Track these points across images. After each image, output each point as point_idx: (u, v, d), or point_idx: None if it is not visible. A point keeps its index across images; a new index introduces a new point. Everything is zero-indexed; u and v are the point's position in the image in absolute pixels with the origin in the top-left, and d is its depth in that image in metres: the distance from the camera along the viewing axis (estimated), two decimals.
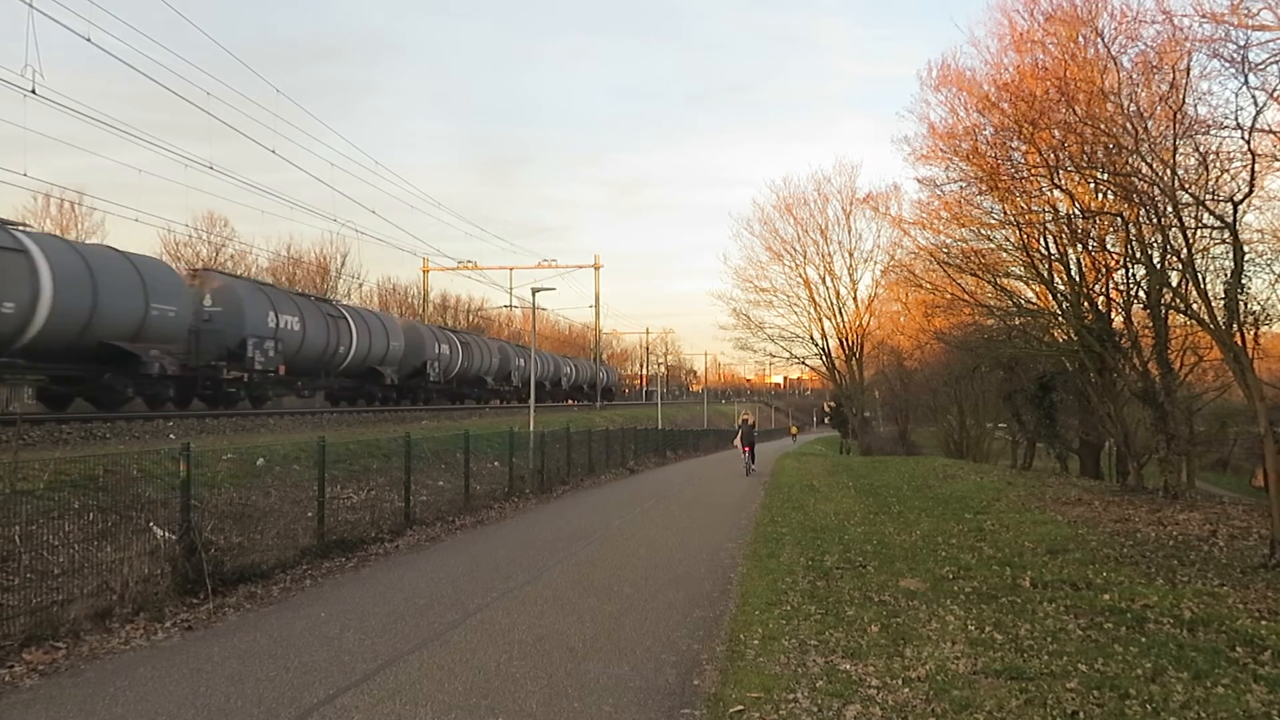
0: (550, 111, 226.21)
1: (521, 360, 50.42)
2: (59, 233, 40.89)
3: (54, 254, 17.40)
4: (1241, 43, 11.60)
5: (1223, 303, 12.49)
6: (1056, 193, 19.90)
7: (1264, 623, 7.29)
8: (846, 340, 51.20)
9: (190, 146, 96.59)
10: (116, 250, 20.55)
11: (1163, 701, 5.41)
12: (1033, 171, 18.79)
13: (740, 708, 5.47)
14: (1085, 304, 20.68)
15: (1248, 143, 11.75)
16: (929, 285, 27.91)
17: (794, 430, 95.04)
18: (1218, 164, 13.43)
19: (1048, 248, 21.54)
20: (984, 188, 21.10)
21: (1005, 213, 21.46)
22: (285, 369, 25.65)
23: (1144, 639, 6.83)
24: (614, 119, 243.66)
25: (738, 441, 29.89)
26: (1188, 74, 13.70)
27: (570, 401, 62.41)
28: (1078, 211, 19.88)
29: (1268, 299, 16.71)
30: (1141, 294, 18.72)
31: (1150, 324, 18.42)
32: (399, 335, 34.58)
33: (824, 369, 54.45)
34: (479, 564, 10.83)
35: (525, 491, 18.79)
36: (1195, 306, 13.79)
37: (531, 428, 21.51)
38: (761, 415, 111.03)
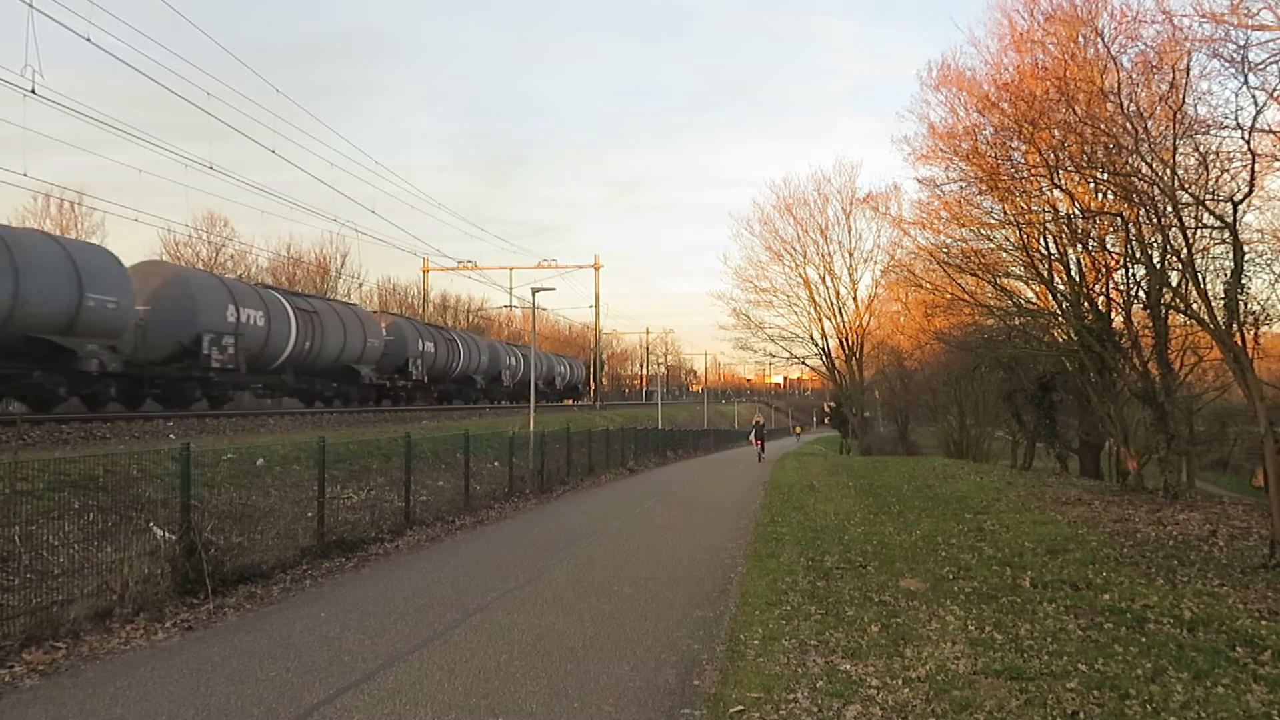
0: (550, 111, 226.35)
1: (430, 345, 37.60)
2: (59, 232, 40.96)
3: None
4: (1241, 43, 11.62)
5: (1223, 303, 12.50)
6: (1056, 193, 19.92)
7: (1264, 623, 7.29)
8: (846, 340, 51.24)
9: (190, 146, 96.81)
10: None
11: (1163, 701, 5.41)
12: (1033, 171, 18.81)
13: (740, 708, 5.47)
14: (1085, 304, 20.69)
15: (1248, 143, 11.77)
16: (929, 285, 27.93)
17: (798, 430, 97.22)
18: (1218, 164, 13.45)
19: (1048, 248, 21.56)
20: (984, 188, 21.12)
21: (1005, 213, 21.48)
22: None
23: (1144, 639, 6.83)
24: (614, 119, 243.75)
25: (752, 436, 39.35)
26: (1188, 74, 13.73)
27: (569, 401, 61.23)
28: (1078, 211, 19.89)
29: (1268, 299, 16.83)
30: (1141, 294, 18.74)
31: (1150, 324, 18.43)
32: (122, 287, 19.26)
33: (824, 369, 54.50)
34: (479, 564, 10.83)
35: (525, 491, 18.79)
36: (1195, 306, 13.80)
37: (531, 428, 21.52)
38: (762, 415, 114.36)
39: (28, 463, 8.98)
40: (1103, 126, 14.79)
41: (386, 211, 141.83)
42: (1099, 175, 17.22)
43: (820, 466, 31.59)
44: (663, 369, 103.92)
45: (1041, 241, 21.58)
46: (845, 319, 50.86)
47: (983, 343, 27.64)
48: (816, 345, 51.73)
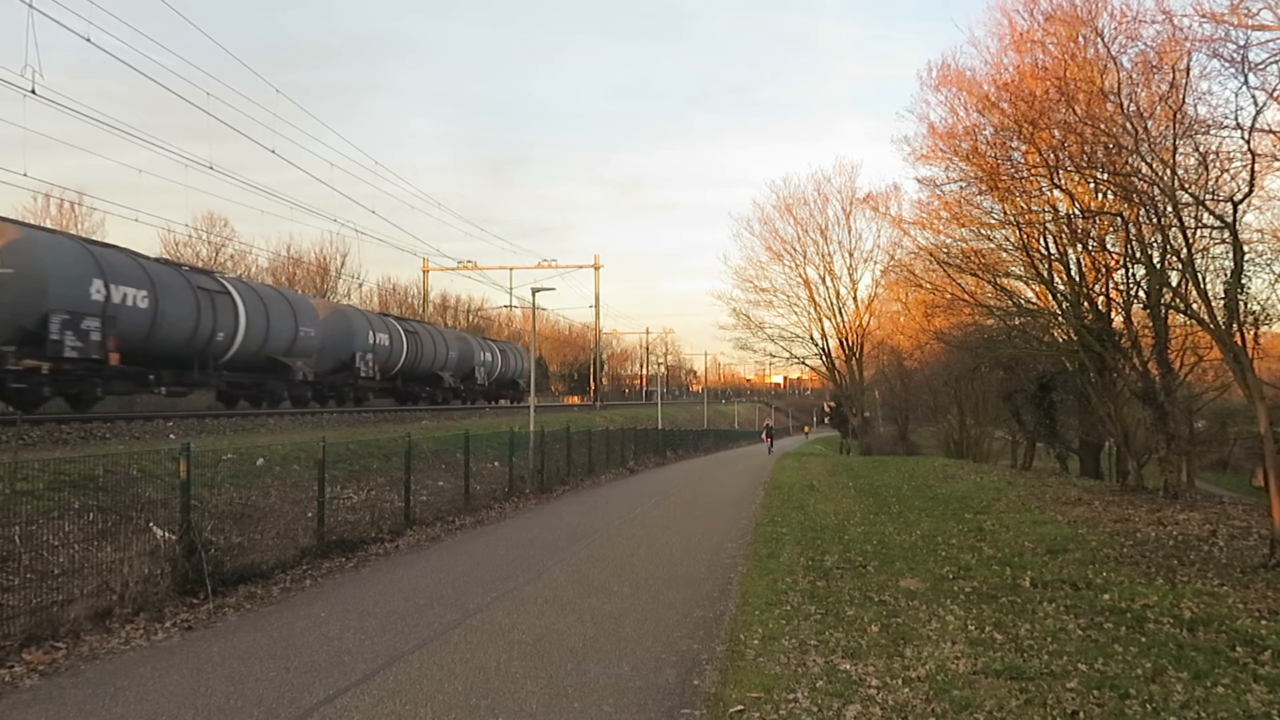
0: (550, 111, 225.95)
1: (215, 314, 21.69)
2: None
3: None
4: (1241, 43, 11.61)
5: (1223, 303, 12.50)
6: (1056, 193, 19.90)
7: (1264, 623, 7.29)
8: (846, 340, 51.25)
9: (190, 146, 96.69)
10: None
11: (1163, 701, 5.41)
12: (1033, 171, 18.79)
13: (740, 708, 5.47)
14: (1085, 304, 20.68)
15: (1248, 143, 11.76)
16: (929, 285, 27.90)
17: (807, 429, 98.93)
18: (1218, 164, 13.43)
19: (1048, 248, 21.54)
20: (984, 188, 21.09)
21: (1005, 213, 21.46)
22: None
23: (1144, 639, 6.83)
24: (614, 119, 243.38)
25: (763, 435, 46.07)
26: (1188, 74, 13.71)
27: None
28: (1078, 211, 19.88)
29: (1268, 299, 16.76)
30: (1141, 294, 18.72)
31: (1150, 324, 18.42)
32: None
33: (824, 369, 54.50)
34: (479, 564, 10.83)
35: (525, 491, 18.78)
36: (1195, 306, 13.79)
37: (532, 428, 21.51)
38: (763, 415, 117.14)
39: (28, 463, 8.98)
40: (1103, 126, 14.77)
41: (386, 211, 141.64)
42: (1099, 175, 17.19)
43: (820, 466, 31.58)
44: (663, 369, 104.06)
45: (1041, 241, 21.56)
46: (845, 319, 50.92)
47: (983, 343, 27.62)
48: (816, 345, 51.80)
